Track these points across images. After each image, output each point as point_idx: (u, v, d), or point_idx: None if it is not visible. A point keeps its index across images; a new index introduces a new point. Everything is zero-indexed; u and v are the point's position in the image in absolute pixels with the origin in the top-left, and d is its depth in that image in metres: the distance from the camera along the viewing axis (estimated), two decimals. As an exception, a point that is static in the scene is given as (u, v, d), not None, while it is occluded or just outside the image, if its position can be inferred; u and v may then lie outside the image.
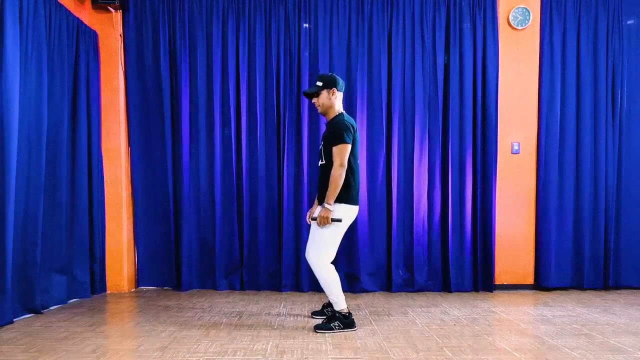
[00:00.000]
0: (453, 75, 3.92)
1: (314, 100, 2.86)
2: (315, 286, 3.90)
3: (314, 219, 2.76)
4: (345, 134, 2.68)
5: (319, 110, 2.88)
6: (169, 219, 3.93)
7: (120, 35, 3.86)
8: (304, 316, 3.09)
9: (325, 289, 2.79)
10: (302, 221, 3.84)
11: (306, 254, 2.83)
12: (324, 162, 2.80)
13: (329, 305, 2.96)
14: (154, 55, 3.89)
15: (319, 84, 2.81)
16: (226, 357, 2.28)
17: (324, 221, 2.67)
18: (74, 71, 3.53)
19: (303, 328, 2.81)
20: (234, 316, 3.08)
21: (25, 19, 2.93)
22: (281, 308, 3.31)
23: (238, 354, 2.33)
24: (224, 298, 3.65)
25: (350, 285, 3.88)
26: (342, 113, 2.83)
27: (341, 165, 2.67)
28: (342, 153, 2.68)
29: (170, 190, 3.92)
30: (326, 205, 2.68)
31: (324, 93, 2.80)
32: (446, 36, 3.94)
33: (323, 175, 2.81)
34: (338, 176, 2.67)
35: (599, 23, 3.95)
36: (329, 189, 2.68)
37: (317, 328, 2.73)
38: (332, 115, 2.83)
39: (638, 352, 2.39)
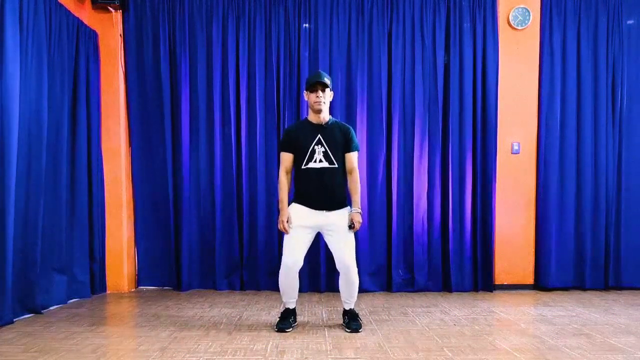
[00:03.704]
0: (453, 75, 3.92)
1: (321, 94, 2.66)
2: (314, 287, 3.92)
3: (351, 226, 2.69)
4: (357, 141, 2.86)
5: (319, 107, 2.67)
6: (169, 219, 3.93)
7: (120, 35, 3.87)
8: (304, 316, 3.09)
9: (354, 292, 2.77)
10: (302, 221, 3.84)
11: (346, 263, 2.67)
12: (335, 165, 2.71)
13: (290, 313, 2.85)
14: (154, 55, 3.89)
15: (328, 81, 2.71)
16: (226, 357, 2.28)
17: (359, 225, 2.72)
18: (74, 71, 3.54)
19: (303, 328, 2.81)
20: (234, 316, 3.08)
21: (25, 19, 2.93)
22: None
23: (238, 354, 2.32)
24: (224, 298, 3.65)
25: (350, 285, 3.87)
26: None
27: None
28: (356, 160, 2.83)
29: (170, 190, 3.92)
30: (359, 210, 2.74)
31: (328, 91, 2.72)
32: (446, 36, 3.94)
33: (331, 179, 2.70)
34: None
35: (599, 23, 3.95)
36: (356, 195, 2.77)
37: (359, 328, 2.73)
38: (326, 116, 2.76)
39: (638, 352, 2.39)
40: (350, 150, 2.76)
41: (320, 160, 2.70)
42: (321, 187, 2.69)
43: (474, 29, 3.92)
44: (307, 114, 2.82)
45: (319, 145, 2.71)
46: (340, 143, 2.73)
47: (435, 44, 3.92)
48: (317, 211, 2.71)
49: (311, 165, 2.70)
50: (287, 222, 2.69)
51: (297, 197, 2.78)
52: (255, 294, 3.83)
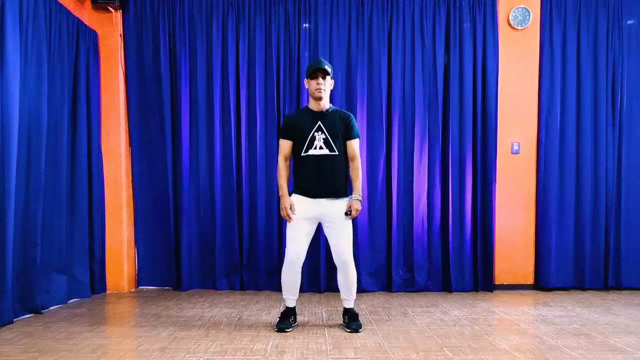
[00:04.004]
0: (453, 75, 3.92)
1: (321, 82, 2.66)
2: (315, 287, 3.91)
3: (347, 213, 2.67)
4: (358, 128, 2.83)
5: (319, 94, 2.67)
6: (169, 219, 3.93)
7: (120, 35, 3.87)
8: (304, 316, 3.09)
9: (352, 288, 2.77)
10: (302, 221, 3.84)
11: (343, 256, 2.68)
12: (336, 152, 2.70)
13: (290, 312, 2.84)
14: (154, 55, 3.89)
15: (329, 68, 2.69)
16: (226, 357, 2.28)
17: (357, 213, 2.71)
18: (74, 71, 3.54)
19: (303, 328, 2.81)
20: (234, 316, 3.08)
21: (25, 19, 2.93)
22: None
23: (238, 354, 2.33)
24: (224, 298, 3.65)
25: (350, 285, 3.87)
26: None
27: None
28: (358, 147, 2.81)
29: (170, 190, 3.92)
30: (359, 198, 2.71)
31: (329, 79, 2.72)
32: (446, 36, 3.94)
33: (332, 167, 2.69)
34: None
35: (599, 23, 3.95)
36: (357, 181, 2.74)
37: (359, 328, 2.72)
38: (326, 104, 2.76)
39: (638, 352, 2.39)
40: (351, 137, 2.76)
41: (321, 147, 2.69)
42: (321, 174, 2.68)
43: (474, 29, 3.92)
44: (308, 102, 2.81)
45: (319, 132, 2.69)
46: (340, 130, 2.72)
47: (435, 44, 3.92)
48: (316, 200, 2.70)
49: (311, 152, 2.69)
50: (290, 208, 2.69)
51: (296, 187, 2.78)
52: (255, 294, 3.83)
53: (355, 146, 2.77)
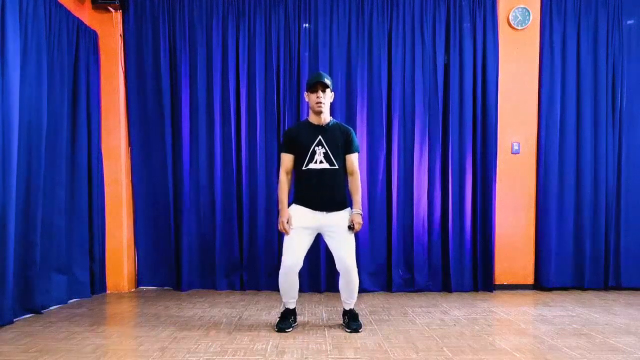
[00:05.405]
0: (453, 75, 3.92)
1: (321, 95, 2.67)
2: (315, 287, 3.92)
3: (351, 227, 2.69)
4: (358, 143, 2.86)
5: (319, 108, 2.68)
6: (169, 219, 3.93)
7: (120, 35, 3.87)
8: (304, 316, 3.09)
9: (354, 293, 2.78)
10: (302, 221, 3.83)
11: (346, 264, 2.67)
12: (336, 166, 2.71)
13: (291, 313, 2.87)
14: (154, 55, 3.89)
15: (329, 81, 2.71)
16: (226, 357, 2.28)
17: (360, 226, 2.73)
18: (74, 71, 3.54)
19: (303, 328, 2.81)
20: (234, 316, 3.08)
21: (25, 19, 2.93)
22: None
23: (238, 354, 2.33)
24: (224, 298, 3.65)
25: (350, 285, 3.87)
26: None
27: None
28: (357, 161, 2.83)
29: (170, 190, 3.92)
30: (360, 212, 2.74)
31: (329, 92, 2.73)
32: (446, 36, 3.94)
33: (332, 180, 2.71)
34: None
35: (599, 23, 3.95)
36: (357, 195, 2.77)
37: (359, 328, 2.73)
38: (327, 117, 2.77)
39: (638, 352, 2.39)
40: (350, 151, 2.77)
41: (321, 162, 2.70)
42: (321, 188, 2.70)
43: (474, 29, 3.92)
44: (308, 115, 2.82)
45: (320, 147, 2.71)
46: (340, 144, 2.73)
47: (435, 44, 3.93)
48: (317, 212, 2.71)
49: (312, 166, 2.71)
50: (287, 222, 2.70)
51: (297, 198, 2.79)
52: (255, 294, 3.83)
53: (354, 160, 2.79)
